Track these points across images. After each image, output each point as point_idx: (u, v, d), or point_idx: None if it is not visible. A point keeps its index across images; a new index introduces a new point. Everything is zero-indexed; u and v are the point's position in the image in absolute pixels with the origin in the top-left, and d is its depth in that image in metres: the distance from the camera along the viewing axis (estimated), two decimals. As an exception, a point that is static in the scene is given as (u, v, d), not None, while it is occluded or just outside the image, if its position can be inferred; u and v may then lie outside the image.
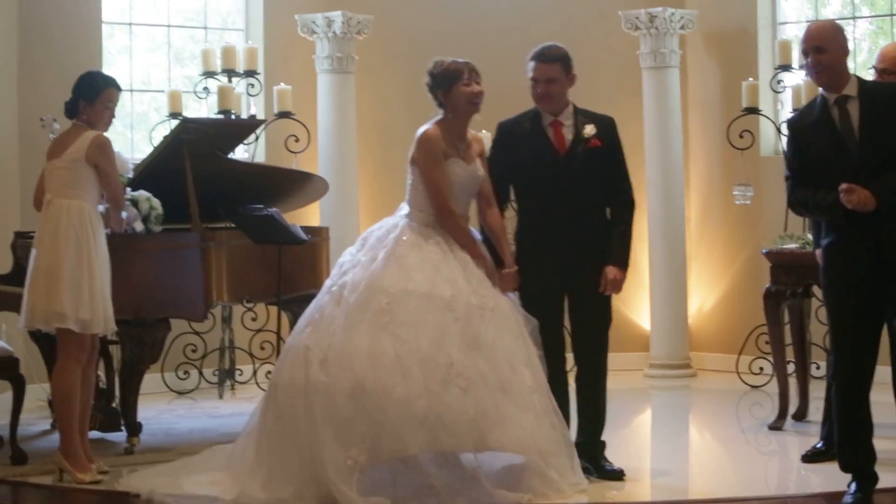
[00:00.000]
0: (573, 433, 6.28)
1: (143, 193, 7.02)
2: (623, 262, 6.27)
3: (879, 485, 5.63)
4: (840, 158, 5.50)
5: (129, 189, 6.98)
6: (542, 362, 6.05)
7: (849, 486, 5.62)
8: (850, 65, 6.01)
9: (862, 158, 5.46)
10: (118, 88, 6.50)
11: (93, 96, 6.37)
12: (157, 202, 7.03)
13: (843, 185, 5.39)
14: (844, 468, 5.65)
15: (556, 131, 6.26)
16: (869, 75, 7.09)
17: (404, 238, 6.06)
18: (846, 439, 5.60)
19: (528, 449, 5.83)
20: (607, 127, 6.32)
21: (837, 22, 5.97)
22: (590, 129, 6.23)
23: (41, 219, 6.40)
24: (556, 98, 6.27)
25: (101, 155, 6.30)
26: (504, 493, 5.76)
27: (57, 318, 6.22)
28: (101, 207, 6.47)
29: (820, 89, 5.64)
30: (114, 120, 6.57)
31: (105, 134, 6.39)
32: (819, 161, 5.56)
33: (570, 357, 6.37)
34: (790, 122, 6.02)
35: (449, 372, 5.73)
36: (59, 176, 6.33)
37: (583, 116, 6.30)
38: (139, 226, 6.94)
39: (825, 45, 5.54)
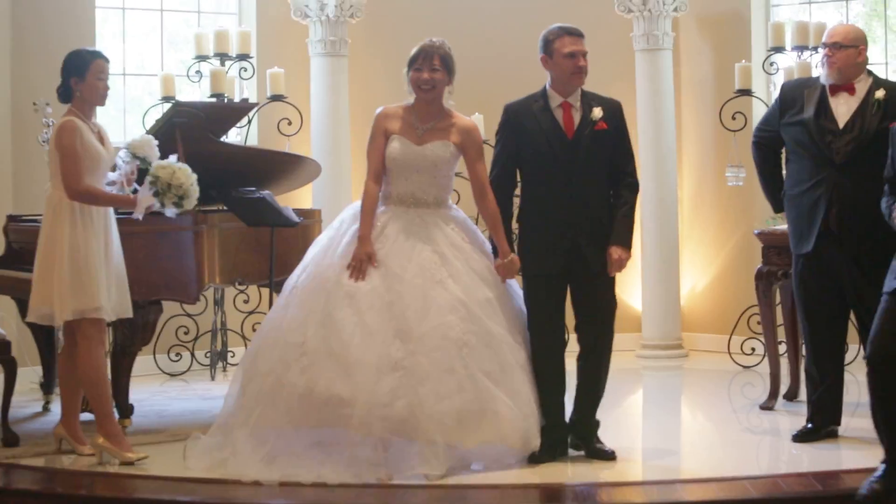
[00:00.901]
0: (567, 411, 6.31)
1: (161, 163, 6.35)
2: (626, 242, 6.26)
3: (855, 465, 5.63)
4: None
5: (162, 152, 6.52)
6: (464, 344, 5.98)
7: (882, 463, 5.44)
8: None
9: None
10: (106, 59, 6.36)
11: (82, 70, 6.24)
12: (183, 176, 6.32)
13: None
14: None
15: (565, 113, 6.23)
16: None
17: (352, 219, 6.23)
18: (885, 421, 5.42)
19: (368, 426, 5.81)
20: (614, 110, 6.30)
21: None
22: (597, 112, 6.21)
23: None
24: (586, 73, 6.27)
25: (58, 138, 6.15)
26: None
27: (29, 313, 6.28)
28: (111, 175, 6.37)
29: None
30: (108, 103, 6.45)
31: (74, 119, 6.16)
32: None
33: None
34: (891, 130, 5.81)
35: (296, 352, 5.95)
36: (49, 168, 6.31)
37: (591, 99, 6.28)
38: (149, 199, 6.28)
39: None
